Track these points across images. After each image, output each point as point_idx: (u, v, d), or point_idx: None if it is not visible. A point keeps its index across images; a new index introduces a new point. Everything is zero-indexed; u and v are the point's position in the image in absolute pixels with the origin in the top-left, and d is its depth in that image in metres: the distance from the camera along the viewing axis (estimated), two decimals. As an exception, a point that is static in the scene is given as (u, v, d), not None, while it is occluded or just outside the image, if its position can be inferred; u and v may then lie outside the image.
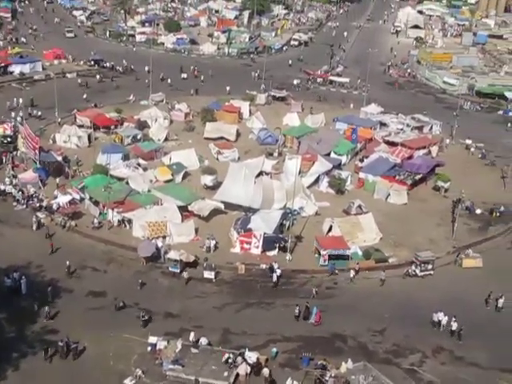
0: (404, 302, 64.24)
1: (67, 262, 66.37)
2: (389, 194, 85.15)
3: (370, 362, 54.12)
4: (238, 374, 51.75)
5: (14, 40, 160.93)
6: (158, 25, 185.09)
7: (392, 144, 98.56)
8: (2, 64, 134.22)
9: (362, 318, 60.82)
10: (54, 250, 69.60)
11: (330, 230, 74.56)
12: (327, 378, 51.69)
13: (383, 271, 68.02)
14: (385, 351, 57.04)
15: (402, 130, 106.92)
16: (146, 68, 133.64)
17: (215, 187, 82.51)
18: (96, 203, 78.14)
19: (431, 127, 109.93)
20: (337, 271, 68.59)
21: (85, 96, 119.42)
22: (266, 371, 52.22)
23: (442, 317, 60.15)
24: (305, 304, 61.15)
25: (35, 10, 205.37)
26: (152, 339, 54.82)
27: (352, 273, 68.02)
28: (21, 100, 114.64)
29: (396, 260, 71.16)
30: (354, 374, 52.29)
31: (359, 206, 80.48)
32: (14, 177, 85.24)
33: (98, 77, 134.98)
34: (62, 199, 78.71)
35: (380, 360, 55.49)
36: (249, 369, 52.13)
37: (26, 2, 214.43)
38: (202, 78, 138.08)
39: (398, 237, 75.06)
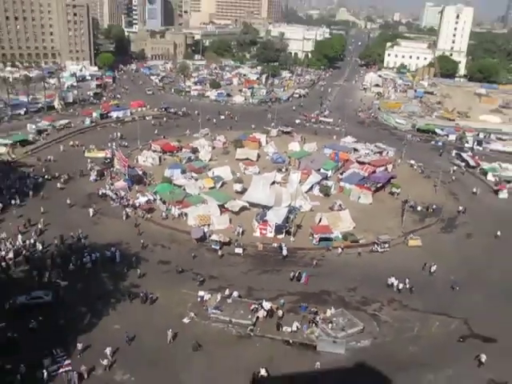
0: (369, 269, 63.59)
1: (141, 241, 67.04)
2: (359, 197, 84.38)
3: (346, 309, 54.16)
4: (257, 317, 51.78)
5: (113, 96, 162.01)
6: (205, 84, 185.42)
7: (362, 163, 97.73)
8: (106, 111, 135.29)
9: (341, 280, 60.60)
10: (140, 234, 69.56)
11: (320, 221, 74.07)
12: (317, 319, 51.82)
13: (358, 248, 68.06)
14: (356, 301, 56.99)
15: (368, 153, 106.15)
16: (196, 112, 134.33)
17: (243, 192, 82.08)
18: (163, 202, 77.99)
19: (387, 152, 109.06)
20: (330, 248, 68.17)
21: (156, 131, 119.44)
22: (280, 312, 52.73)
23: (393, 280, 59.89)
24: (298, 271, 61.10)
25: (127, 76, 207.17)
26: (201, 293, 55.19)
27: (339, 250, 67.62)
28: (118, 134, 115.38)
29: (365, 241, 70.44)
30: (335, 316, 52.50)
31: (340, 205, 79.97)
32: (111, 184, 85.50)
33: (164, 119, 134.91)
34: (142, 199, 78.84)
35: (353, 307, 55.48)
36: (265, 313, 52.36)
37: (121, 72, 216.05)
38: (236, 118, 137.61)
39: (366, 225, 74.21)
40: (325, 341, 48.95)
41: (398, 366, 46.26)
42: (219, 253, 65.55)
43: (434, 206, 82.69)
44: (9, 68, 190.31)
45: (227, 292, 55.45)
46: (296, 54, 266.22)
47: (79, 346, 45.98)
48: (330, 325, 50.86)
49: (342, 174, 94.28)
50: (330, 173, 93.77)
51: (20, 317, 49.81)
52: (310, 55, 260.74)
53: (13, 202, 77.24)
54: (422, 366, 46.80)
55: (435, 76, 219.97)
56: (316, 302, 55.34)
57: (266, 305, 53.09)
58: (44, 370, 42.73)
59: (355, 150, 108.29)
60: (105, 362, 44.41)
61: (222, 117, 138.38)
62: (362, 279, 60.77)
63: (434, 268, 63.59)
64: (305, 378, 44.75)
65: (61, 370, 43.45)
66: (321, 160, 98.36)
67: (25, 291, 53.66)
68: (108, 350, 45.34)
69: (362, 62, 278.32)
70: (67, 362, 44.23)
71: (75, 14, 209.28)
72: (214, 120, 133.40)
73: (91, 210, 74.75)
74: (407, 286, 59.35)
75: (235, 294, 55.36)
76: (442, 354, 48.66)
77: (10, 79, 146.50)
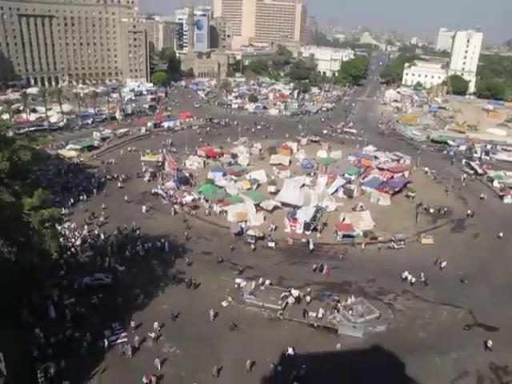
0: (386, 263, 62.66)
1: (185, 233, 67.58)
2: (379, 199, 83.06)
3: (365, 298, 53.49)
4: (287, 303, 51.67)
5: (165, 108, 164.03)
6: (244, 98, 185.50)
7: (381, 169, 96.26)
8: (159, 121, 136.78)
9: (361, 272, 59.83)
10: (188, 228, 69.81)
11: (343, 220, 73.36)
12: (339, 306, 51.29)
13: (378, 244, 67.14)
14: (374, 292, 56.14)
15: (387, 161, 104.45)
16: (236, 122, 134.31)
17: (276, 193, 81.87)
18: (207, 201, 78.45)
19: (404, 160, 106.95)
20: (355, 244, 67.40)
21: (201, 139, 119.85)
22: (307, 298, 52.73)
23: (407, 274, 58.81)
24: (320, 263, 60.77)
25: (177, 92, 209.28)
26: (238, 280, 55.36)
27: (363, 246, 66.89)
28: (169, 141, 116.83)
29: (383, 238, 69.36)
30: (355, 304, 51.87)
31: (361, 206, 78.85)
32: (162, 184, 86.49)
33: (208, 128, 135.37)
34: (188, 198, 79.47)
35: (371, 297, 54.67)
36: (293, 300, 52.15)
37: (173, 87, 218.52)
38: (272, 128, 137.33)
39: (384, 224, 73.11)
40: (345, 325, 48.57)
41: (409, 350, 45.63)
42: (254, 246, 65.53)
43: (445, 209, 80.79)
44: (80, 85, 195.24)
45: (261, 280, 55.46)
46: (324, 72, 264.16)
47: (132, 323, 46.96)
48: (350, 311, 50.42)
49: (363, 178, 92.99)
50: (353, 177, 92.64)
51: (85, 295, 51.24)
52: (336, 74, 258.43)
53: (80, 197, 79.39)
54: (430, 349, 46.05)
55: (448, 93, 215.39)
56: (338, 291, 54.86)
57: (295, 292, 52.97)
58: (105, 340, 43.97)
59: (375, 157, 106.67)
60: (152, 335, 45.54)
61: (259, 127, 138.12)
62: (380, 272, 59.90)
63: (444, 264, 62.25)
64: (327, 356, 44.55)
65: (119, 341, 44.56)
66: (345, 166, 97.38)
67: (89, 273, 55.22)
68: (155, 325, 46.38)
69: (383, 80, 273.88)
70: (124, 334, 45.36)
71: (135, 39, 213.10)
72: (253, 129, 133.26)
73: (144, 207, 75.67)
74: (422, 279, 58.18)
75: (267, 282, 55.33)
76: (448, 339, 47.82)
77: (81, 94, 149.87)
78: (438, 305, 53.74)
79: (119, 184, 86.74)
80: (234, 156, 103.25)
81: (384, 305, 53.31)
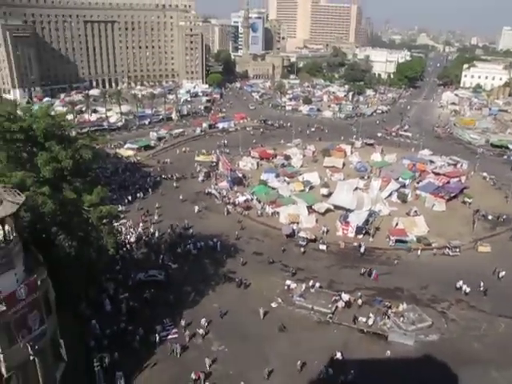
0: (440, 270, 60.36)
1: (236, 232, 68.12)
2: (434, 204, 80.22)
3: (417, 305, 51.87)
4: (336, 307, 50.96)
5: (219, 109, 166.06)
6: (299, 100, 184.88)
7: (437, 174, 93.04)
8: (213, 122, 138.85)
9: (413, 279, 58.02)
10: (242, 229, 70.19)
11: (396, 224, 71.47)
12: (390, 313, 49.98)
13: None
14: (426, 299, 54.24)
15: (443, 165, 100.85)
16: (289, 124, 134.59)
17: (328, 195, 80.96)
18: (259, 202, 78.71)
19: (461, 164, 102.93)
20: (411, 250, 65.30)
21: (255, 140, 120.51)
22: (359, 301, 51.83)
23: (461, 283, 56.34)
24: (369, 267, 59.51)
25: (232, 93, 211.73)
26: (288, 282, 55.09)
27: (419, 251, 64.85)
28: (224, 142, 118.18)
29: (437, 244, 67.01)
30: (406, 311, 50.38)
31: (415, 211, 76.63)
32: (216, 185, 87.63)
33: (261, 130, 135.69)
34: (241, 198, 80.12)
35: (423, 304, 52.88)
36: (343, 304, 51.31)
37: (227, 89, 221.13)
38: (326, 131, 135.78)
39: (439, 230, 70.54)
40: (396, 332, 47.26)
41: (463, 361, 43.64)
42: (305, 248, 65.04)
43: (505, 216, 76.97)
44: (138, 87, 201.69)
45: (311, 283, 55.00)
46: (379, 74, 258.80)
47: (183, 321, 47.64)
48: (401, 318, 49.06)
49: (418, 183, 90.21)
50: (407, 181, 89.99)
51: (139, 290, 52.66)
52: (391, 76, 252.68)
53: (137, 196, 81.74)
54: (487, 362, 43.83)
55: (510, 95, 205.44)
56: (390, 297, 53.43)
57: (345, 296, 52.15)
58: (156, 335, 44.96)
59: (431, 161, 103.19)
60: (201, 331, 46.19)
61: (313, 129, 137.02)
62: (433, 279, 57.86)
63: (502, 273, 59.15)
64: (376, 363, 43.54)
65: (169, 337, 45.42)
66: (399, 170, 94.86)
67: (143, 270, 56.72)
68: (203, 321, 47.20)
69: (440, 82, 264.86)
70: (174, 330, 46.19)
71: (191, 42, 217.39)
72: (307, 132, 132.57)
73: (196, 208, 76.62)
74: (481, 288, 55.54)
75: (317, 285, 54.78)
76: (507, 353, 45.33)
77: (139, 95, 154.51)
78: (496, 316, 51.18)
79: (174, 184, 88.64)
80: (288, 158, 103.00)
81: (437, 313, 51.42)
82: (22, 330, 28.76)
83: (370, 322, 48.66)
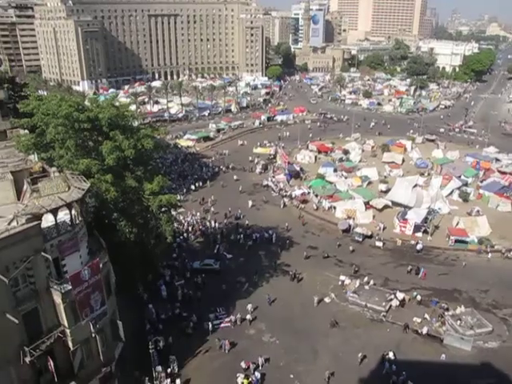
0: (503, 274, 57.47)
1: (285, 224, 68.33)
2: (498, 205, 76.42)
3: (475, 309, 49.72)
4: (391, 305, 49.86)
5: (278, 102, 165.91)
6: (358, 94, 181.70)
7: (503, 173, 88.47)
8: (272, 115, 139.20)
9: (473, 281, 55.58)
10: (303, 224, 69.93)
11: (457, 224, 68.66)
12: (446, 315, 48.26)
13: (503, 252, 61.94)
14: (486, 304, 51.81)
15: (510, 164, 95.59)
16: (346, 118, 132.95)
17: (386, 191, 79.14)
18: (316, 195, 78.14)
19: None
20: (481, 250, 62.41)
21: (313, 134, 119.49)
22: (418, 297, 50.65)
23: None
24: (416, 265, 57.98)
25: (291, 86, 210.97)
26: (342, 277, 54.61)
27: (489, 255, 61.77)
28: (284, 134, 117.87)
29: (500, 247, 63.66)
30: (464, 315, 48.39)
31: (478, 211, 73.33)
32: (273, 177, 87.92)
33: (318, 124, 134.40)
34: (298, 192, 79.90)
35: (483, 309, 50.57)
36: (398, 303, 50.15)
37: (287, 82, 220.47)
38: (387, 125, 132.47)
39: (503, 232, 67.14)
40: (452, 336, 45.45)
41: (527, 372, 41.43)
42: (360, 244, 64.15)
43: None
44: (199, 79, 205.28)
45: (365, 279, 54.21)
46: (443, 67, 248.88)
47: (235, 312, 48.14)
48: (458, 322, 47.15)
49: (481, 181, 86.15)
50: (470, 180, 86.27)
51: (194, 278, 53.98)
52: (457, 69, 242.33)
53: (195, 185, 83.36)
54: (552, 375, 41.39)
55: None
56: (447, 299, 51.51)
57: (400, 295, 50.88)
58: (209, 323, 45.87)
59: (497, 159, 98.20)
60: (248, 317, 47.07)
61: (372, 123, 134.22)
62: (495, 283, 55.16)
63: None
64: (429, 366, 42.15)
65: (222, 325, 46.23)
66: (462, 167, 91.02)
67: (199, 258, 58.00)
68: (250, 307, 47.99)
69: (510, 76, 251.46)
70: (227, 319, 46.93)
71: (252, 35, 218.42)
72: (368, 126, 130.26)
73: (251, 201, 76.81)
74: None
75: (372, 282, 53.88)
76: None
77: (200, 87, 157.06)
78: None
79: (235, 176, 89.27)
80: (346, 152, 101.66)
81: (498, 319, 48.92)
82: (85, 308, 30.23)
83: (425, 323, 47.24)
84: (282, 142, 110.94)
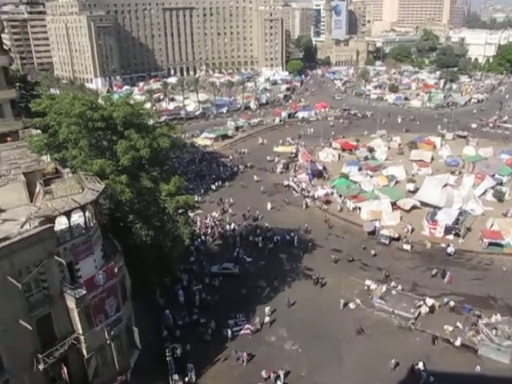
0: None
1: (305, 225, 68.21)
2: (537, 206, 74.85)
3: (513, 318, 48.56)
4: (419, 312, 49.20)
5: (300, 98, 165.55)
6: (384, 88, 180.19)
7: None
8: (293, 111, 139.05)
9: (509, 287, 54.18)
10: (330, 227, 69.66)
11: (491, 226, 67.19)
12: (480, 323, 47.17)
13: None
14: (525, 312, 50.56)
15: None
16: (370, 113, 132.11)
17: (414, 191, 78.07)
18: (340, 196, 77.76)
19: None
20: None
21: (335, 131, 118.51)
22: (451, 303, 50.10)
23: None
24: (442, 268, 57.19)
25: (313, 81, 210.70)
26: (368, 282, 54.15)
27: None
28: (303, 132, 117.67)
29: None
30: (500, 323, 47.00)
31: (514, 212, 72.01)
32: (295, 177, 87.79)
33: (341, 120, 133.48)
34: (321, 192, 79.57)
35: (521, 318, 49.31)
36: (427, 309, 49.49)
37: (308, 77, 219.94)
38: (416, 121, 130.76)
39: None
40: (488, 346, 44.30)
41: None
42: (387, 247, 63.59)
43: None
44: (216, 74, 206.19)
45: (392, 284, 53.63)
46: (476, 58, 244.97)
47: (256, 317, 48.14)
48: (494, 331, 45.88)
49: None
50: (505, 179, 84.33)
51: (212, 283, 54.27)
52: (491, 60, 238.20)
53: (213, 186, 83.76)
54: None
55: None
56: (481, 306, 50.40)
57: (429, 301, 50.15)
58: (228, 330, 45.94)
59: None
60: (266, 319, 47.35)
61: (399, 119, 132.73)
62: (534, 289, 54.02)
63: None
64: (462, 378, 41.36)
65: (242, 332, 46.29)
66: (496, 165, 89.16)
67: (217, 262, 58.22)
68: (267, 310, 48.30)
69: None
70: (247, 326, 46.95)
71: (271, 27, 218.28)
72: (397, 122, 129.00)
73: (269, 204, 76.17)
74: None
75: (399, 287, 53.26)
76: None
77: (217, 83, 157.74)
78: None
79: (255, 177, 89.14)
80: (371, 150, 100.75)
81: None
82: (100, 314, 30.59)
83: (458, 331, 46.52)
84: (303, 140, 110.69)
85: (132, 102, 47.50)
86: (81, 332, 30.10)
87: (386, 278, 55.76)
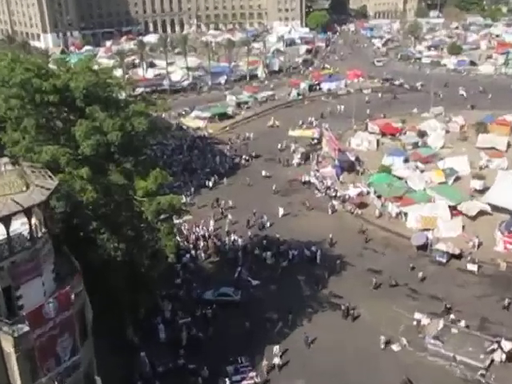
0: None
1: (331, 236, 67.80)
2: None
3: None
4: (493, 360, 48.52)
5: (324, 64, 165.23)
6: (441, 49, 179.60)
7: None
8: (316, 82, 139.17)
9: None
10: (367, 241, 69.18)
11: None
12: None
13: None
14: None
15: None
16: (420, 84, 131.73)
17: (483, 191, 77.26)
18: (379, 197, 77.39)
19: None
20: None
21: (374, 108, 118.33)
22: None
23: None
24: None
25: (343, 40, 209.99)
26: (418, 315, 53.53)
27: None
28: (329, 109, 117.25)
29: None
30: None
31: None
32: (317, 171, 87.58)
33: (379, 94, 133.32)
34: (352, 191, 79.40)
35: None
36: (504, 356, 48.65)
37: (337, 34, 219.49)
38: (490, 95, 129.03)
39: None
40: None
41: None
42: (444, 267, 63.28)
43: None
44: (211, 31, 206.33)
45: (451, 318, 53.18)
46: None
47: (264, 360, 47.88)
48: None
49: None
50: None
51: (206, 313, 53.88)
52: None
53: (207, 183, 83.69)
54: None
55: None
56: None
57: (506, 344, 49.50)
58: (227, 379, 45.54)
59: None
60: (276, 361, 47.36)
61: (462, 92, 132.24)
62: None
63: None
64: None
65: (244, 382, 45.95)
66: None
67: (213, 286, 57.95)
68: (276, 349, 48.13)
69: None
70: (252, 373, 46.67)
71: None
72: (459, 95, 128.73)
73: (281, 209, 75.69)
74: None
75: (463, 323, 52.73)
76: None
77: (213, 44, 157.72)
78: None
79: (258, 166, 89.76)
80: (422, 134, 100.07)
81: None
82: (49, 359, 30.29)
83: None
84: (329, 121, 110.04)
85: (96, 67, 47.24)
86: (20, 387, 29.71)
87: (444, 310, 55.22)
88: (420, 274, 61.24)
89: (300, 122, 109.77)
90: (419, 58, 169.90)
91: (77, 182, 38.39)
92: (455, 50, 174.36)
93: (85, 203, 39.45)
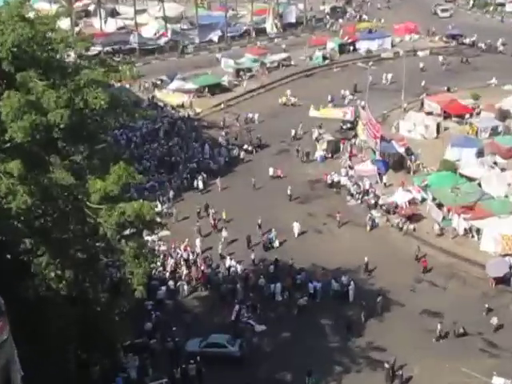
0: None
1: (367, 261, 67.79)
2: None
3: None
4: None
5: (361, 15, 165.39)
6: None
7: None
8: (350, 40, 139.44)
9: None
10: (424, 271, 68.63)
11: None
12: None
13: None
14: None
15: None
16: (503, 44, 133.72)
17: None
18: (439, 206, 77.17)
19: None
20: None
21: (423, 82, 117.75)
22: None
23: None
24: None
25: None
26: (497, 380, 52.45)
27: None
28: (370, 79, 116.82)
29: None
30: None
31: None
32: (350, 168, 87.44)
33: (442, 58, 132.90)
34: (402, 198, 78.83)
35: None
36: None
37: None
38: None
39: None
40: None
41: None
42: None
43: None
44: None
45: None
46: None
47: None
48: None
49: None
50: None
51: (189, 372, 53.08)
52: None
53: (195, 183, 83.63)
54: None
55: None
56: None
57: None
58: None
59: None
60: None
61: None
62: None
63: None
64: None
65: None
66: None
67: (200, 333, 57.61)
68: None
69: None
70: None
71: None
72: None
73: (297, 224, 75.16)
74: None
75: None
76: None
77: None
78: None
79: (265, 159, 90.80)
80: (504, 116, 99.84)
81: None
82: None
83: None
84: (368, 97, 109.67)
85: (32, 15, 46.77)
86: None
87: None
88: (499, 320, 60.78)
89: (329, 98, 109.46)
90: (502, 5, 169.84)
91: (2, 182, 37.84)
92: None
93: (14, 212, 38.81)
